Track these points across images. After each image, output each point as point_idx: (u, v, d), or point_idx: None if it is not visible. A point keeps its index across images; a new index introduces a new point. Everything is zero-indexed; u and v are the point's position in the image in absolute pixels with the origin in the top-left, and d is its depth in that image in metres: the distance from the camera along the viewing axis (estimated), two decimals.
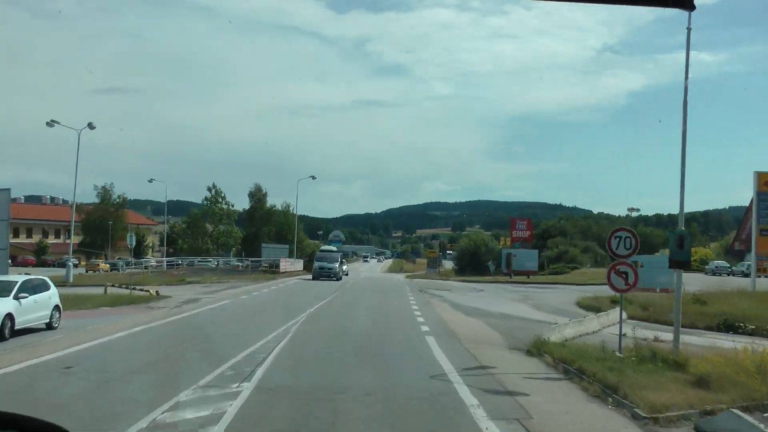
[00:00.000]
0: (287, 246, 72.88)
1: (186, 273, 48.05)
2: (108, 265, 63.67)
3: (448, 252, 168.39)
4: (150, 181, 67.61)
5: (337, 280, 44.32)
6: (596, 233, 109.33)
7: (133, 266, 60.94)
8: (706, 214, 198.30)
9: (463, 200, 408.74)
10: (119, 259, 74.07)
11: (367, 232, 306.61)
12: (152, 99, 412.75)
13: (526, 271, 54.57)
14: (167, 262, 73.96)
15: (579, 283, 47.57)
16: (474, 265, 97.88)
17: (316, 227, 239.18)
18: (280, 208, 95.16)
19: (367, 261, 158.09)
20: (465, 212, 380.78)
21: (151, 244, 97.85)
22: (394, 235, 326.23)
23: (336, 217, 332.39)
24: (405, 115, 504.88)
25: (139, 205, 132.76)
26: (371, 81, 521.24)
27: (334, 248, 51.83)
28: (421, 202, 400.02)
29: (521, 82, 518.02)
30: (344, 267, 47.37)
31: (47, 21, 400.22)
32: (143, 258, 77.11)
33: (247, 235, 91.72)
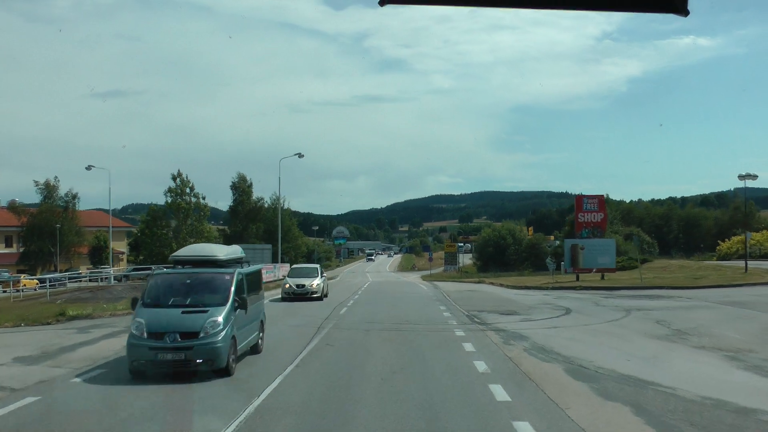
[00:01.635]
0: (270, 246, 55.96)
1: (93, 296, 30.81)
2: (36, 281, 46.91)
3: (458, 244, 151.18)
4: (88, 168, 50.54)
5: (319, 299, 27.72)
6: (638, 217, 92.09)
7: (68, 279, 44.42)
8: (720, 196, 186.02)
9: (468, 192, 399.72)
10: (69, 270, 57.46)
11: (373, 227, 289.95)
12: (152, 100, 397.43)
13: (601, 269, 37.32)
14: (121, 273, 57.11)
15: (700, 285, 30.58)
16: (498, 259, 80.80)
17: (321, 224, 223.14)
18: (269, 202, 78.42)
19: (371, 260, 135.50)
20: (471, 204, 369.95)
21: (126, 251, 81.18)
22: (400, 229, 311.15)
23: (341, 214, 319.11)
24: (406, 110, 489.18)
25: (142, 209, 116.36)
26: (372, 76, 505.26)
27: (315, 266, 33.17)
28: (425, 196, 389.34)
29: (521, 72, 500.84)
30: (325, 283, 30.60)
31: (44, 26, 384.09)
32: (101, 268, 60.40)
33: (230, 234, 74.73)
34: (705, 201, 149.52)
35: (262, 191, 75.43)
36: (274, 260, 53.24)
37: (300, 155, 51.72)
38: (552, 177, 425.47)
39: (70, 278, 45.06)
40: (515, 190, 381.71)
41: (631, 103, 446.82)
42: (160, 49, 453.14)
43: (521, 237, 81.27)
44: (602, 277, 36.64)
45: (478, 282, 48.05)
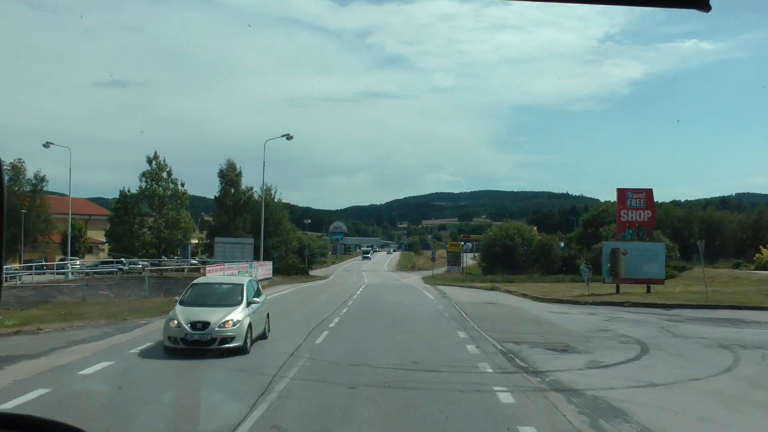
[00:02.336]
0: (252, 240, 49.08)
1: (36, 295, 23.98)
2: None
3: (468, 243, 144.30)
4: (46, 145, 43.55)
5: (240, 351, 13.18)
6: (657, 219, 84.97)
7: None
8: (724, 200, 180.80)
9: (468, 190, 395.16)
10: (31, 262, 50.68)
11: (372, 223, 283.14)
12: (153, 92, 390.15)
13: (647, 279, 30.17)
14: (89, 266, 50.16)
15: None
16: (505, 260, 73.95)
17: (319, 219, 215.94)
18: (259, 193, 71.46)
19: (368, 258, 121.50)
20: (470, 203, 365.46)
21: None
22: (399, 226, 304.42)
23: (340, 209, 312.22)
24: (408, 107, 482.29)
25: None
26: (373, 73, 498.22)
27: (233, 281, 16.54)
28: (425, 193, 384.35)
29: (523, 72, 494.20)
30: (260, 315, 14.96)
31: (49, 14, 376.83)
32: (72, 260, 53.48)
33: (216, 226, 67.79)
34: (708, 206, 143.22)
35: (256, 184, 68.40)
36: (257, 256, 46.39)
37: (288, 137, 44.83)
38: (552, 178, 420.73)
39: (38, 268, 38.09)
40: (515, 190, 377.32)
41: (632, 106, 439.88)
42: (162, 40, 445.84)
43: (530, 237, 74.41)
44: (648, 290, 29.71)
45: (491, 288, 41.23)
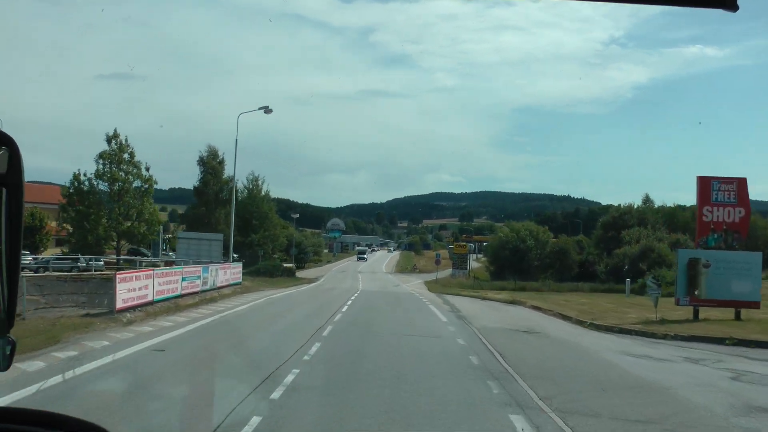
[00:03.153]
0: (221, 236, 40.78)
1: None
2: None
3: (470, 243, 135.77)
4: None
5: None
6: (683, 223, 76.56)
7: None
8: None
9: (469, 191, 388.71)
10: None
11: (372, 221, 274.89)
12: (156, 86, 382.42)
13: (738, 302, 21.64)
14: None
15: None
16: (515, 265, 65.78)
17: (318, 216, 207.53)
18: (245, 184, 63.12)
19: (363, 258, 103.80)
20: (471, 203, 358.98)
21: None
22: (399, 225, 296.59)
23: (340, 207, 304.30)
24: (410, 106, 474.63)
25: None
26: (376, 71, 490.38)
27: None
28: (426, 193, 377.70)
29: (525, 73, 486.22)
30: None
31: (51, 6, 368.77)
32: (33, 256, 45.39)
33: (192, 218, 59.53)
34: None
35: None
36: (226, 255, 38.08)
37: (267, 110, 36.54)
38: (553, 180, 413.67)
39: None
40: (516, 192, 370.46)
41: (636, 110, 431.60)
42: (166, 35, 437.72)
43: (544, 240, 66.07)
44: (737, 316, 21.40)
45: (511, 302, 32.83)
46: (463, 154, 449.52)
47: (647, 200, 71.36)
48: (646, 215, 66.95)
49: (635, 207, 68.80)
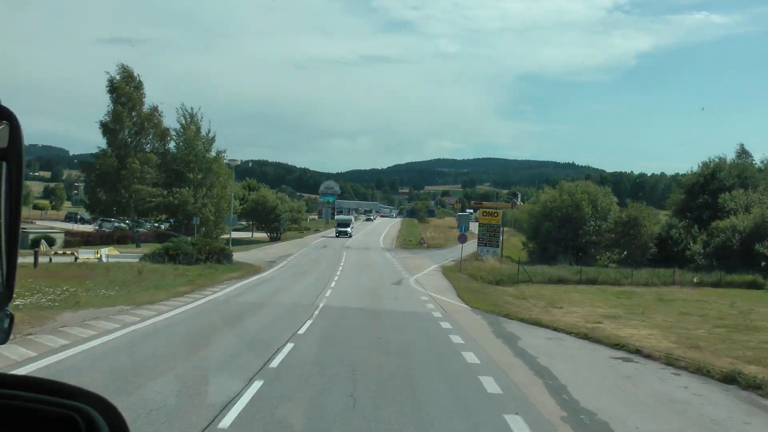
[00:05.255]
0: None
1: None
2: None
3: (468, 211, 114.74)
4: None
5: None
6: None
7: None
8: None
9: (471, 158, 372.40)
10: None
11: (372, 187, 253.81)
12: (157, 50, 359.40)
13: None
14: None
15: None
16: (568, 243, 45.03)
17: (317, 182, 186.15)
18: (183, 122, 41.67)
19: (346, 233, 64.01)
20: (474, 170, 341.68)
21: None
22: (400, 191, 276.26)
23: (340, 172, 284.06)
24: (412, 72, 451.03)
25: None
26: (378, 37, 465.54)
27: None
28: (427, 159, 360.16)
29: (529, 40, 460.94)
30: None
31: None
32: None
33: (101, 170, 38.59)
34: None
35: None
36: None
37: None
38: (556, 147, 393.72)
39: None
40: (520, 159, 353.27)
41: (639, 78, 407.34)
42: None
43: (606, 206, 45.05)
44: None
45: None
46: (466, 121, 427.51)
47: (742, 153, 49.63)
48: (747, 173, 45.62)
49: (732, 164, 47.21)
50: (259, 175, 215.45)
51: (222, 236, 40.82)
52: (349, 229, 65.69)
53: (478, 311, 17.74)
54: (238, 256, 34.37)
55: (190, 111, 39.80)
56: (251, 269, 27.71)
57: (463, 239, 33.86)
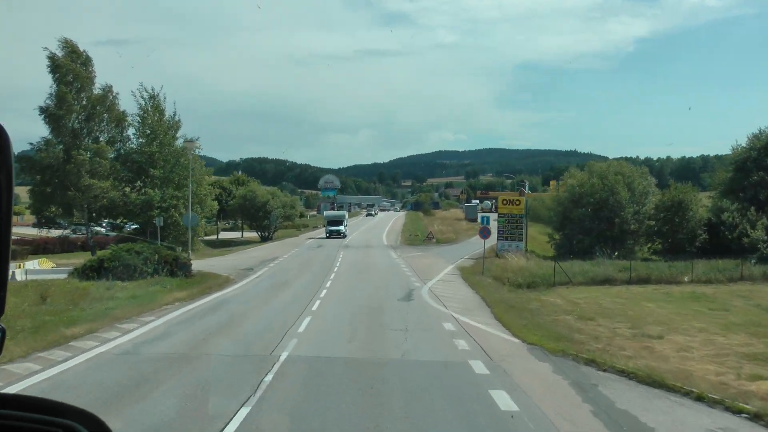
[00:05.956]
0: None
1: None
2: None
3: (474, 201, 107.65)
4: None
5: None
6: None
7: None
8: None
9: (473, 149, 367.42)
10: None
11: (374, 181, 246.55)
12: (154, 49, 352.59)
13: None
14: None
15: None
16: (603, 234, 37.75)
17: (317, 177, 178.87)
18: (144, 103, 34.48)
19: (338, 233, 52.57)
20: (476, 161, 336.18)
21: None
22: (403, 184, 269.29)
23: (342, 168, 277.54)
24: (410, 64, 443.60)
25: None
26: (376, 30, 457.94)
27: None
28: (429, 152, 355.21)
29: (526, 29, 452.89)
30: None
31: None
32: None
33: (42, 164, 31.66)
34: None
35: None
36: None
37: None
38: (555, 136, 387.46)
39: None
40: (521, 148, 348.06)
41: (637, 63, 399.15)
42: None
43: (643, 189, 37.98)
44: None
45: None
46: (466, 112, 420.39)
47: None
48: None
49: None
50: (258, 172, 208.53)
51: (201, 238, 33.99)
52: (342, 228, 53.71)
53: (539, 352, 10.83)
54: (210, 263, 27.53)
55: (150, 92, 32.78)
56: (215, 283, 20.84)
57: (486, 234, 26.79)
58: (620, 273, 27.38)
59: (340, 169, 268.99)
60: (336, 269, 26.44)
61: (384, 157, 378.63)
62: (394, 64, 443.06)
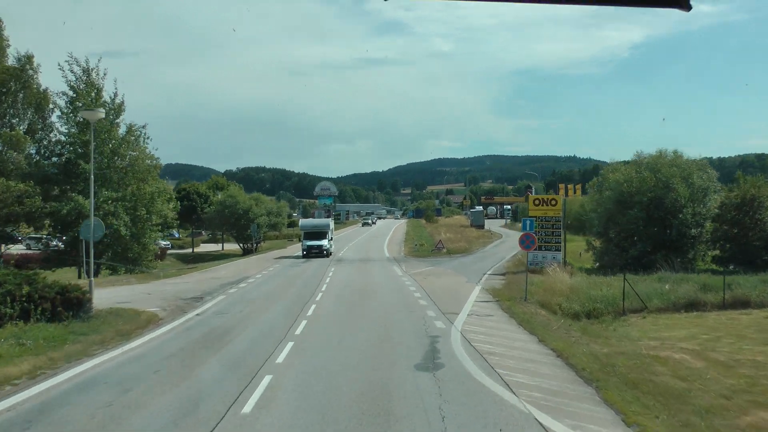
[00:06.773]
0: None
1: None
2: None
3: (477, 207, 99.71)
4: None
5: None
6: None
7: None
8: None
9: (472, 156, 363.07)
10: None
11: (374, 189, 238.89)
12: (148, 61, 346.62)
13: None
14: None
15: None
16: (658, 237, 27.87)
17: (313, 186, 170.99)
18: (75, 75, 26.58)
19: (318, 250, 38.07)
20: (475, 167, 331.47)
21: None
22: (402, 192, 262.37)
23: (341, 176, 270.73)
24: (407, 73, 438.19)
25: None
26: (372, 39, 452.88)
27: None
28: (428, 159, 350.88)
29: (522, 36, 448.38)
30: None
31: None
32: None
33: None
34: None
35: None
36: None
37: None
38: (552, 141, 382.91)
39: None
40: (519, 155, 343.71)
41: (633, 69, 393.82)
42: (156, 9, 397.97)
43: (704, 185, 29.99)
44: None
45: None
46: (463, 119, 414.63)
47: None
48: None
49: None
50: (256, 181, 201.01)
51: (150, 257, 26.04)
52: (324, 243, 38.54)
53: None
54: (152, 288, 19.59)
55: (84, 66, 24.94)
56: (124, 329, 12.90)
57: (529, 243, 18.77)
58: (708, 295, 19.58)
59: (339, 177, 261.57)
60: (319, 298, 18.48)
61: (383, 165, 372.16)
62: (391, 73, 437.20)
